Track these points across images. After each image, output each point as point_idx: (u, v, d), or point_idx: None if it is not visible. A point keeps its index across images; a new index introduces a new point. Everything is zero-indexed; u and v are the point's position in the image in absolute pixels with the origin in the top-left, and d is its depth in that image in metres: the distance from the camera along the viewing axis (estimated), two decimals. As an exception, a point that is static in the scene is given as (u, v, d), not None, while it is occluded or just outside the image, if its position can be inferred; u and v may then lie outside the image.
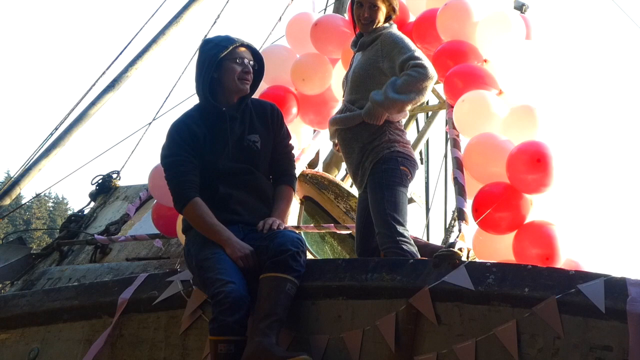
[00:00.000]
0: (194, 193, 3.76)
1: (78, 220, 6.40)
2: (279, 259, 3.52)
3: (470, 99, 4.47)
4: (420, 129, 8.09)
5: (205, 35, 6.94)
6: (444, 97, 5.32)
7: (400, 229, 3.96)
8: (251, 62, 3.93)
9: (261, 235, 3.70)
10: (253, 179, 3.88)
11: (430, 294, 3.28)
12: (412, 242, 3.99)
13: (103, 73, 7.07)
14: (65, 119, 6.84)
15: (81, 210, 6.69)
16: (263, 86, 5.19)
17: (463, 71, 4.63)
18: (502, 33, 4.69)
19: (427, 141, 8.35)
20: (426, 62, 4.11)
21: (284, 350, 3.39)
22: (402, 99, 4.05)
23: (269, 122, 4.00)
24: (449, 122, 4.70)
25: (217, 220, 3.72)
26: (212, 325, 3.44)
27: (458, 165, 4.35)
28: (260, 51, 4.07)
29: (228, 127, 3.87)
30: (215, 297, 3.46)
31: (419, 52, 4.17)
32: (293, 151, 4.14)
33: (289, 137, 4.12)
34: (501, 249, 4.27)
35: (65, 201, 46.91)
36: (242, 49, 3.92)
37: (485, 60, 4.77)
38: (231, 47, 3.87)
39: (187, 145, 3.82)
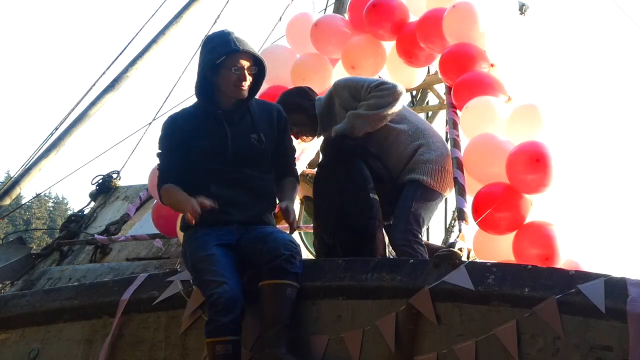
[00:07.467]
0: (165, 181, 3.84)
1: (78, 220, 6.41)
2: (274, 265, 3.50)
3: (474, 106, 4.47)
4: (420, 129, 8.07)
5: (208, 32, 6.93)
6: (444, 97, 5.31)
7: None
8: (250, 68, 3.81)
9: (256, 236, 3.69)
10: (248, 176, 3.83)
11: (430, 294, 3.28)
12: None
13: (103, 73, 7.08)
14: (65, 119, 6.86)
15: (81, 210, 6.70)
16: (263, 86, 5.19)
17: (472, 79, 4.61)
18: (509, 37, 4.68)
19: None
20: (387, 83, 4.33)
21: None
22: (373, 113, 4.23)
23: (274, 122, 3.95)
24: (449, 122, 4.69)
25: (179, 195, 3.75)
26: (207, 328, 3.44)
27: (458, 165, 4.34)
28: (260, 51, 4.06)
29: (225, 129, 3.83)
30: (210, 299, 3.48)
31: (372, 79, 4.43)
32: (295, 155, 4.14)
33: (291, 141, 4.13)
34: (501, 249, 4.26)
35: (65, 201, 46.92)
36: (239, 55, 3.78)
37: (492, 65, 4.74)
38: (227, 55, 3.76)
39: (171, 141, 3.88)
